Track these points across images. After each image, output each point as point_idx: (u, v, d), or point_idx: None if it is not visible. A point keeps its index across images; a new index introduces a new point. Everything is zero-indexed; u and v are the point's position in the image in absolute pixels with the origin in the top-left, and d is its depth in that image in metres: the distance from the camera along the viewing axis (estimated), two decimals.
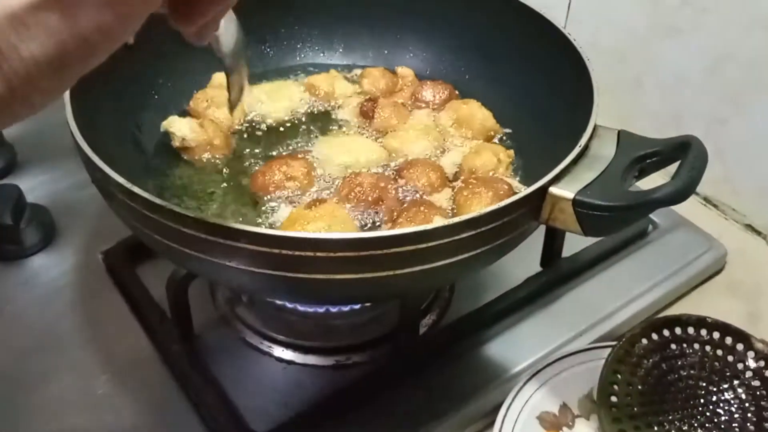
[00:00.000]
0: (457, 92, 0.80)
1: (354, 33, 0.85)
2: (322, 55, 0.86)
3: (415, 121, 0.76)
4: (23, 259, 0.76)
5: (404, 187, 0.68)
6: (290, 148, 0.73)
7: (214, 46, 0.56)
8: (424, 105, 0.78)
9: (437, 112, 0.77)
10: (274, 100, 0.78)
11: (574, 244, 0.74)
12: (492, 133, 0.75)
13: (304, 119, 0.77)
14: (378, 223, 0.64)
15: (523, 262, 0.72)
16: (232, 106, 0.63)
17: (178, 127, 0.70)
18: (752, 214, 0.85)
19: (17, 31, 0.30)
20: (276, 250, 0.47)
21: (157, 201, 0.48)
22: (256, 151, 0.73)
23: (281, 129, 0.76)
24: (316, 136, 0.75)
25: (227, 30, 0.56)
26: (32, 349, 0.67)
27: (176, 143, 0.70)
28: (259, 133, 0.75)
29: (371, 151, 0.72)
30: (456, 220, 0.49)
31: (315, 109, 0.79)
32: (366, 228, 0.64)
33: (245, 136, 0.75)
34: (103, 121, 0.63)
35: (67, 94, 0.57)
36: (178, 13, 0.39)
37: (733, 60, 0.80)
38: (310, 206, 0.62)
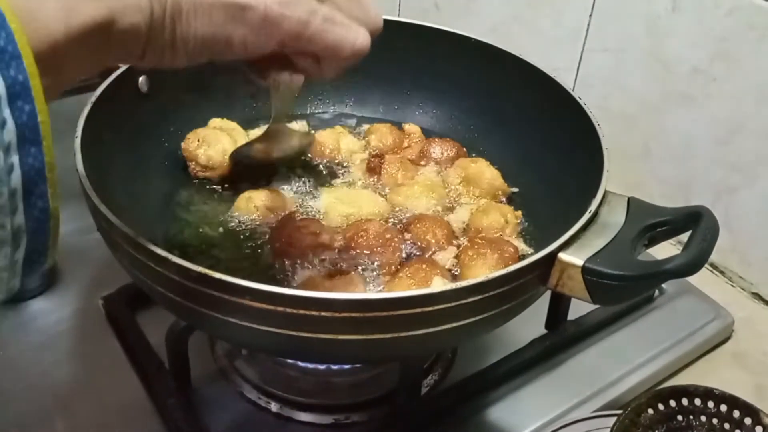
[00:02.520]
0: (465, 150, 0.80)
1: (365, 88, 0.86)
2: (332, 107, 0.87)
3: (422, 178, 0.76)
4: (22, 302, 0.75)
5: (409, 242, 0.67)
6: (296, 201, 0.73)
7: (272, 92, 0.64)
8: (431, 162, 0.78)
9: (445, 169, 0.77)
10: None
11: (580, 306, 0.73)
12: (500, 192, 0.75)
13: (309, 172, 0.77)
14: (376, 275, 0.64)
15: (527, 323, 0.71)
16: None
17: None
18: (760, 282, 0.85)
19: (196, 10, 0.42)
20: (281, 308, 0.46)
21: (163, 253, 0.48)
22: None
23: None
24: (321, 187, 0.75)
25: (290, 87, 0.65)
26: (26, 395, 0.66)
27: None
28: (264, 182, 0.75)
29: (374, 204, 0.72)
30: (463, 283, 0.48)
31: (321, 163, 0.79)
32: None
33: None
34: (112, 168, 0.63)
35: (78, 141, 0.57)
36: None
37: (744, 130, 0.80)
38: (331, 276, 0.61)
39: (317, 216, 0.70)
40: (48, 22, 0.35)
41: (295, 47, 0.47)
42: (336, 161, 0.79)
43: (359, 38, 0.48)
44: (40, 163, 0.33)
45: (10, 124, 0.32)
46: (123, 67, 0.68)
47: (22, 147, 0.32)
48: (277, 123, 0.70)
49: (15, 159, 0.32)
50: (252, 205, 0.69)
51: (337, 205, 0.71)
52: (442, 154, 0.79)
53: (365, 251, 0.65)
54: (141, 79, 0.70)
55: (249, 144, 0.73)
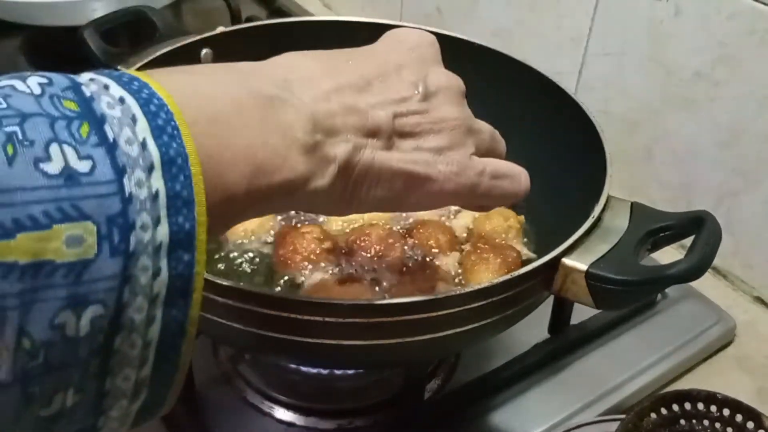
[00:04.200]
0: None
1: None
2: None
3: None
4: None
5: (412, 247, 0.68)
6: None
7: None
8: None
9: None
10: None
11: (583, 311, 0.73)
12: None
13: None
14: (379, 280, 0.64)
15: (530, 328, 0.71)
16: None
17: None
18: (762, 286, 0.85)
19: (380, 178, 0.41)
20: (285, 314, 0.46)
21: None
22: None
23: None
24: None
25: None
26: None
27: None
28: None
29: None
30: (468, 289, 0.49)
31: None
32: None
33: None
34: None
35: None
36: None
37: (747, 134, 0.80)
38: (343, 282, 0.62)
39: (318, 221, 0.70)
40: (231, 177, 0.32)
41: (462, 205, 0.50)
42: None
43: (522, 184, 0.48)
44: (184, 317, 0.29)
45: (164, 274, 0.28)
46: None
47: (170, 299, 0.29)
48: None
49: (159, 312, 0.28)
50: (246, 231, 0.68)
51: None
52: None
53: (368, 256, 0.65)
54: None
55: None
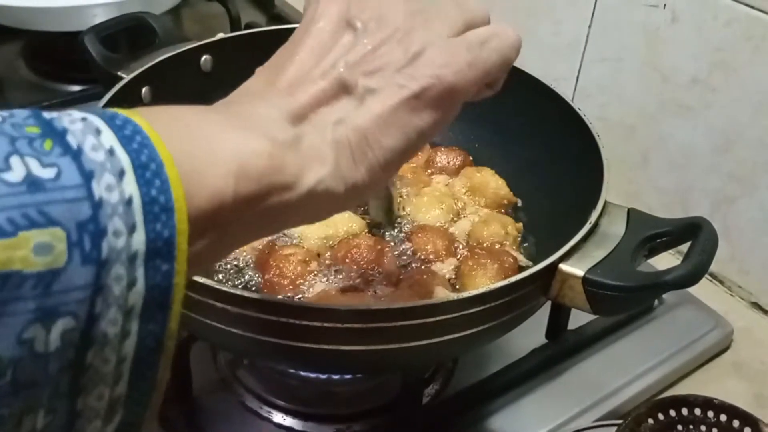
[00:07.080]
0: (470, 159, 0.80)
1: None
2: None
3: (431, 188, 0.76)
4: None
5: (408, 253, 0.68)
6: None
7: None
8: (438, 171, 0.78)
9: (451, 178, 0.78)
10: None
11: (580, 316, 0.74)
12: (505, 202, 0.75)
13: None
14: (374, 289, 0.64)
15: (528, 333, 0.71)
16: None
17: None
18: (759, 292, 0.85)
19: (380, 128, 0.37)
20: (283, 319, 0.47)
21: None
22: None
23: None
24: None
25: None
26: None
27: None
28: None
29: (350, 221, 0.70)
30: (465, 294, 0.49)
31: None
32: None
33: None
34: None
35: None
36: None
37: (743, 139, 0.80)
38: (345, 291, 0.61)
39: (294, 241, 0.68)
40: (214, 181, 0.30)
41: (474, 93, 0.41)
42: None
43: (511, 35, 0.42)
44: (161, 331, 0.28)
45: (141, 285, 0.26)
46: (126, 78, 0.69)
47: (146, 311, 0.27)
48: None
49: (134, 325, 0.27)
50: None
51: (312, 227, 0.68)
52: (448, 163, 0.79)
53: (361, 266, 0.65)
54: (144, 90, 0.70)
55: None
